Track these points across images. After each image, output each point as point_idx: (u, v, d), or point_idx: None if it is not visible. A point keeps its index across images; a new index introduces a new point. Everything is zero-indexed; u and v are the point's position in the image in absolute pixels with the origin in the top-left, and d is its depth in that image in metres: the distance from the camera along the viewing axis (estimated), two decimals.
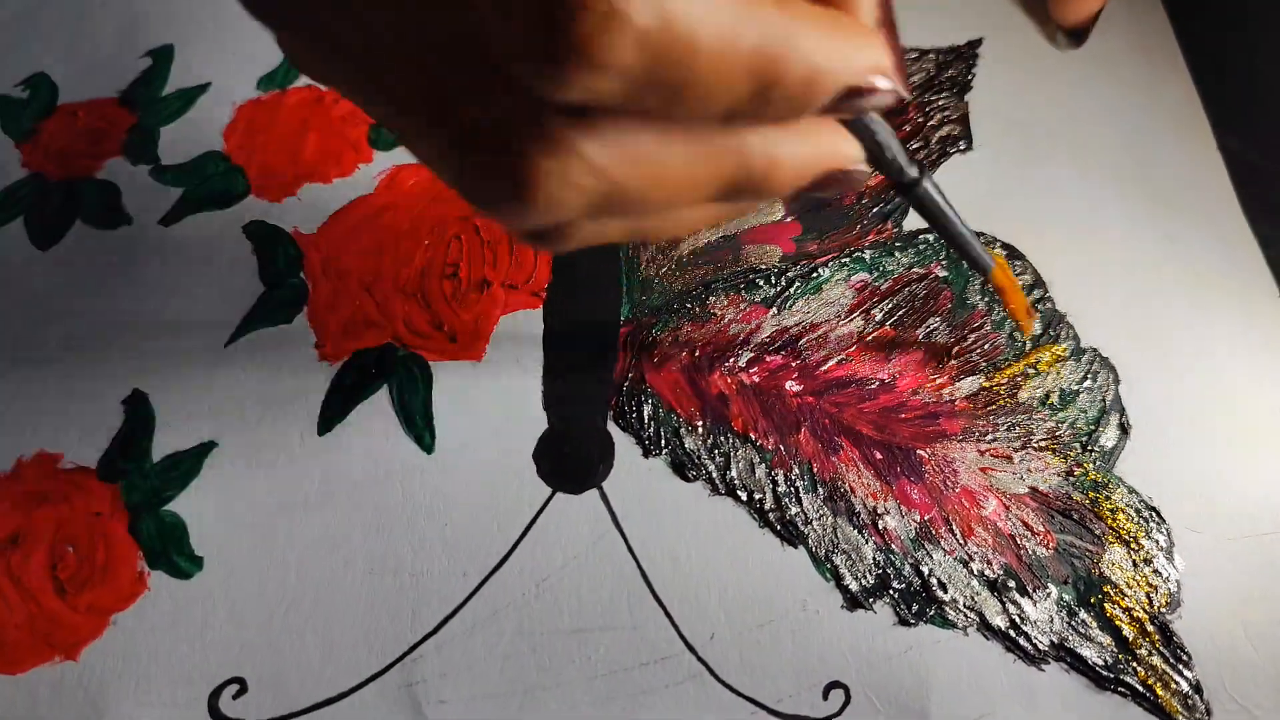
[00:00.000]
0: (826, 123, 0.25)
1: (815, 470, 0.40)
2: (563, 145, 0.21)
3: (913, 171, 0.30)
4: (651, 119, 0.22)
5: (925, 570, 0.38)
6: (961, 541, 0.39)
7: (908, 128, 0.49)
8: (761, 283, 0.44)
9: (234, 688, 0.37)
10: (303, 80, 0.51)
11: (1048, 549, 0.39)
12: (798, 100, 0.23)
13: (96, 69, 0.51)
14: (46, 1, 0.54)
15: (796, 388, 0.42)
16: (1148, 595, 0.38)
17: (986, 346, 0.43)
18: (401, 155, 0.48)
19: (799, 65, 0.21)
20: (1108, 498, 0.40)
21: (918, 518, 0.39)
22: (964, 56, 0.52)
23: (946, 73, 0.51)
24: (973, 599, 0.38)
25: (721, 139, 0.23)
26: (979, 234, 0.46)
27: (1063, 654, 0.37)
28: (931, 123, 0.49)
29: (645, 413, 0.41)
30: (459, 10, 0.20)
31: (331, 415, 0.41)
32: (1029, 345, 0.43)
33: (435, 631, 0.37)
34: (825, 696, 0.37)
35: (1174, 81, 0.51)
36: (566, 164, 0.21)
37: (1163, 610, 0.38)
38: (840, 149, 0.26)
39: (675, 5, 0.19)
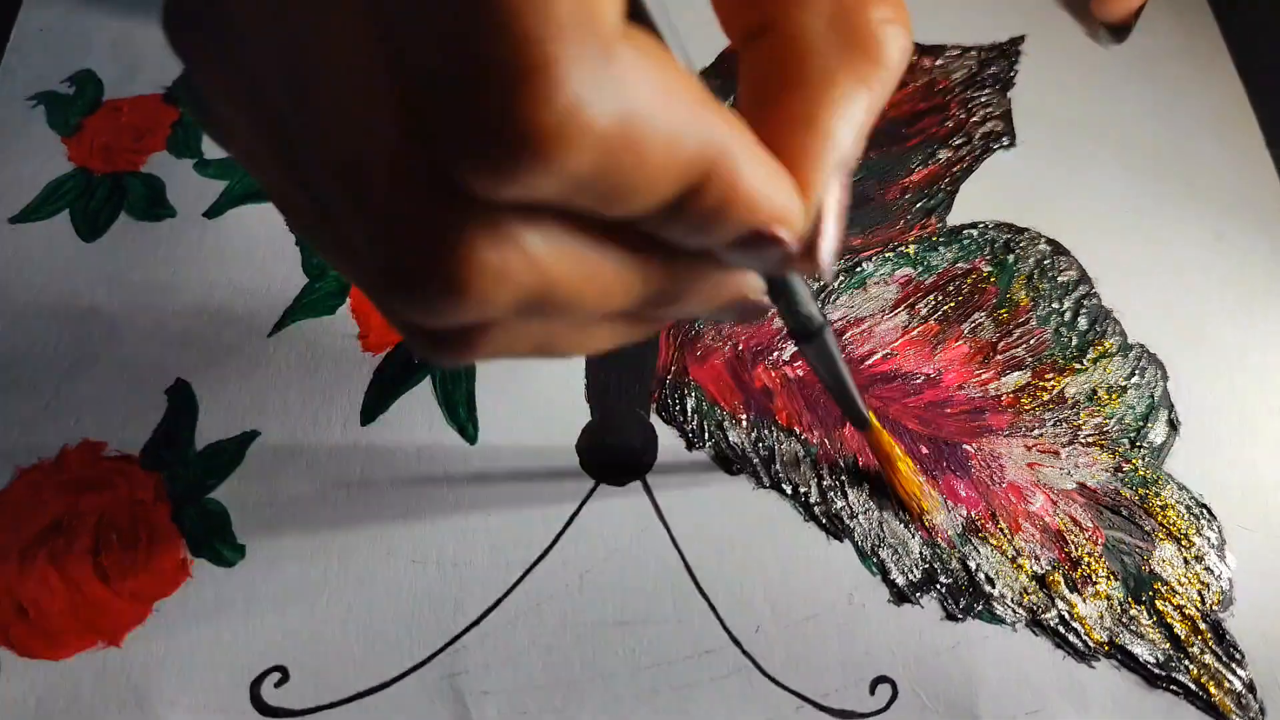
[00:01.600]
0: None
1: (860, 464, 0.40)
2: (506, 236, 0.19)
3: (819, 318, 0.29)
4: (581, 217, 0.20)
5: (973, 565, 0.38)
6: (1009, 536, 0.38)
7: (950, 124, 0.49)
8: (805, 276, 0.44)
9: (276, 676, 0.36)
10: None
11: (1097, 545, 0.38)
12: (707, 219, 0.20)
13: (141, 67, 0.51)
14: (93, 2, 0.54)
15: None
16: (1199, 593, 0.37)
17: (1032, 341, 0.43)
18: None
19: (725, 179, 0.19)
20: (1157, 494, 0.39)
21: (964, 512, 0.39)
22: (1006, 53, 0.52)
23: (989, 69, 0.51)
24: (1021, 594, 0.37)
25: (647, 244, 0.21)
26: (1023, 230, 0.46)
27: (1113, 651, 0.36)
28: (974, 119, 0.49)
29: (689, 405, 0.41)
30: (400, 92, 0.17)
31: (374, 405, 0.41)
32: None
33: (478, 622, 0.37)
34: (872, 691, 0.36)
35: (1220, 79, 0.51)
36: (507, 256, 0.19)
37: (1215, 608, 0.37)
38: (753, 281, 0.25)
39: (637, 103, 0.17)
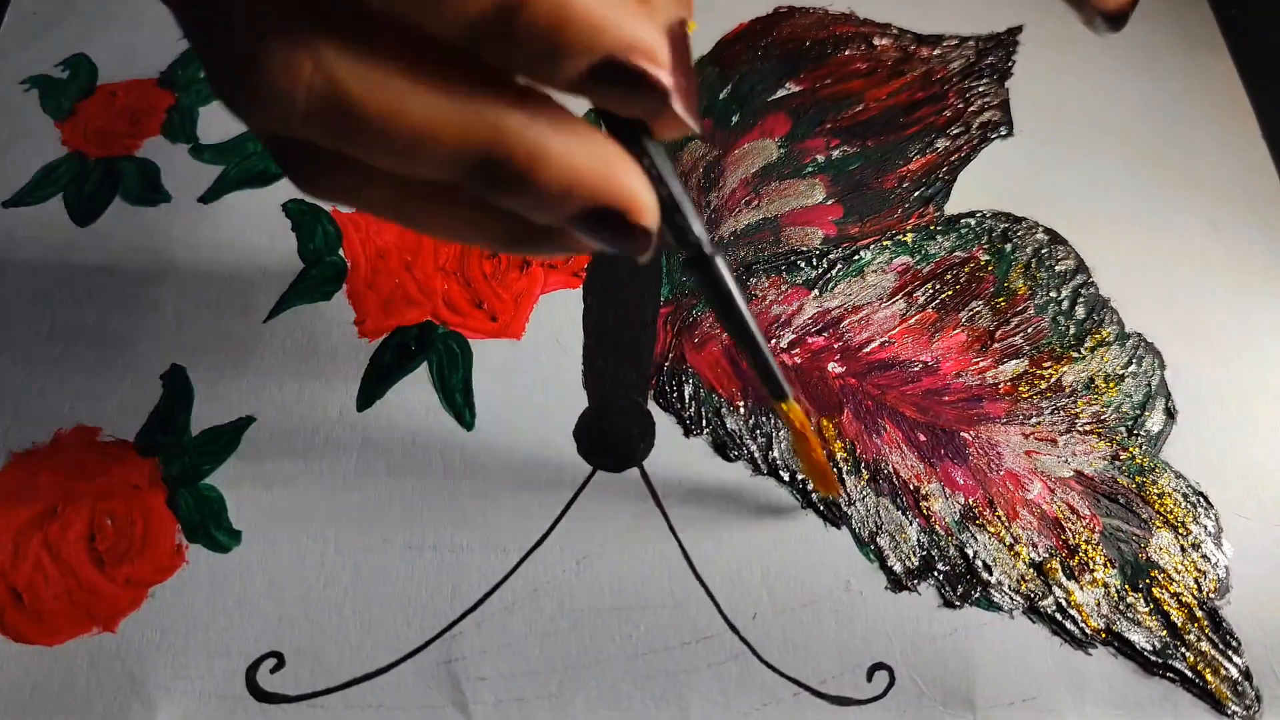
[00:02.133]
0: (611, 143, 0.21)
1: (858, 451, 0.40)
2: (297, 34, 0.19)
3: (702, 240, 0.24)
4: (401, 44, 0.20)
5: (970, 552, 0.38)
6: (1006, 524, 0.38)
7: (948, 113, 0.49)
8: (803, 265, 0.44)
9: (272, 661, 0.36)
10: None
11: (1094, 533, 0.38)
12: (542, 40, 0.19)
13: (136, 51, 0.51)
14: None
15: (839, 369, 0.41)
16: (1196, 580, 0.38)
17: (1029, 330, 0.43)
18: None
19: None
20: (1154, 482, 0.39)
21: (962, 500, 0.39)
22: (1004, 43, 0.52)
23: (987, 59, 0.51)
24: (1018, 582, 0.37)
25: (479, 100, 0.20)
26: (1019, 219, 0.46)
27: (1110, 638, 0.37)
28: (972, 108, 0.49)
29: (686, 392, 0.41)
30: None
31: (371, 391, 0.41)
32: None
33: (475, 608, 0.37)
34: (869, 678, 0.36)
35: (1217, 69, 0.51)
36: (297, 51, 0.19)
37: (1212, 596, 0.37)
38: (625, 178, 0.21)
39: None
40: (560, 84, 0.20)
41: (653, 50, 0.20)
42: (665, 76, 0.20)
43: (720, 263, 0.25)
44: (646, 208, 0.21)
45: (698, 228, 0.24)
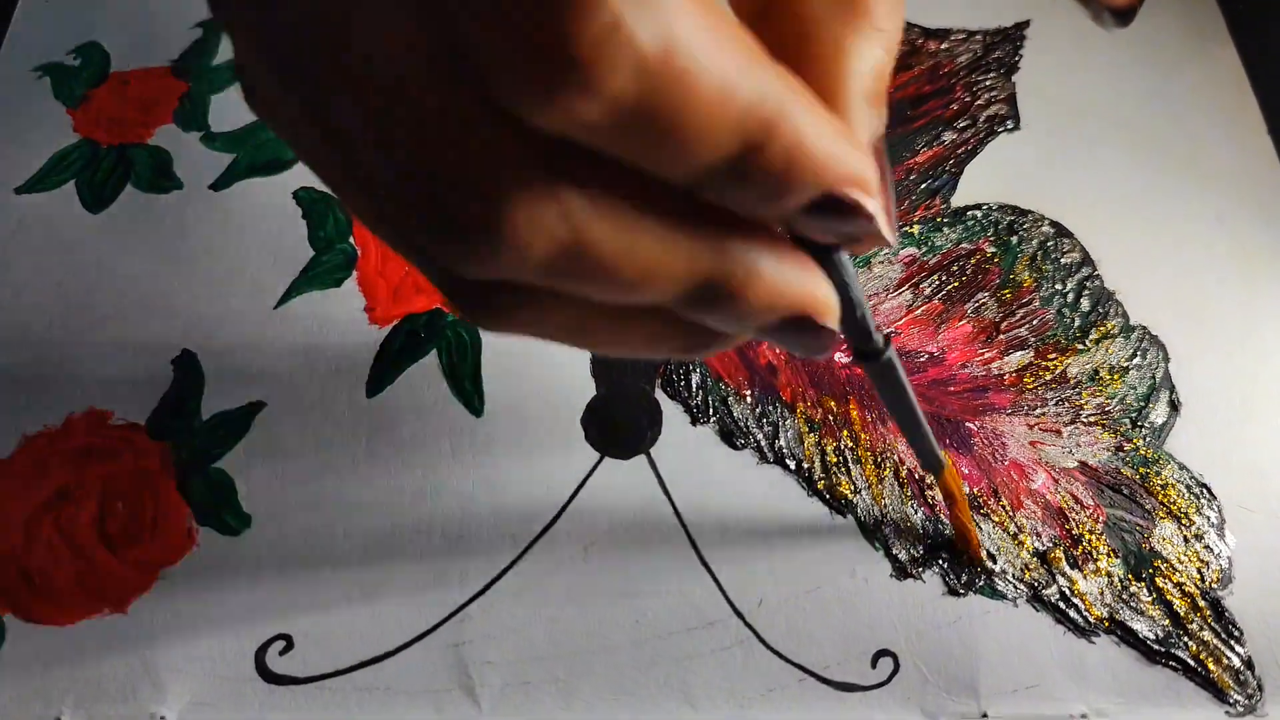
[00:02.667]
0: (804, 258, 0.22)
1: (864, 440, 0.40)
2: (540, 185, 0.18)
3: (879, 340, 0.27)
4: (629, 177, 0.19)
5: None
6: (1011, 513, 0.39)
7: (955, 106, 0.49)
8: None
9: (280, 644, 0.37)
10: None
11: (1098, 523, 0.39)
12: (774, 179, 0.19)
13: (148, 39, 0.51)
14: None
15: (845, 359, 0.42)
16: (1199, 571, 0.38)
17: (1035, 322, 0.43)
18: None
19: (788, 136, 0.18)
20: (1158, 473, 0.40)
21: (967, 489, 0.39)
22: (1011, 38, 0.52)
23: (994, 54, 0.51)
24: (1022, 570, 0.38)
25: (704, 227, 0.20)
26: (1025, 212, 0.46)
27: (1113, 627, 0.37)
28: (979, 102, 0.49)
29: (693, 381, 0.41)
30: (440, 19, 0.17)
31: (380, 378, 0.41)
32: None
33: (482, 593, 0.37)
34: (874, 665, 0.36)
35: (1222, 63, 0.51)
36: (542, 205, 0.18)
37: (1214, 586, 0.38)
38: (818, 289, 0.22)
39: (681, 32, 0.16)
40: (772, 217, 0.20)
41: (867, 181, 0.19)
42: (875, 204, 0.20)
43: (894, 357, 0.27)
44: (832, 312, 0.22)
45: (873, 328, 0.26)
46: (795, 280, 0.22)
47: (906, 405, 0.30)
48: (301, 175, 0.47)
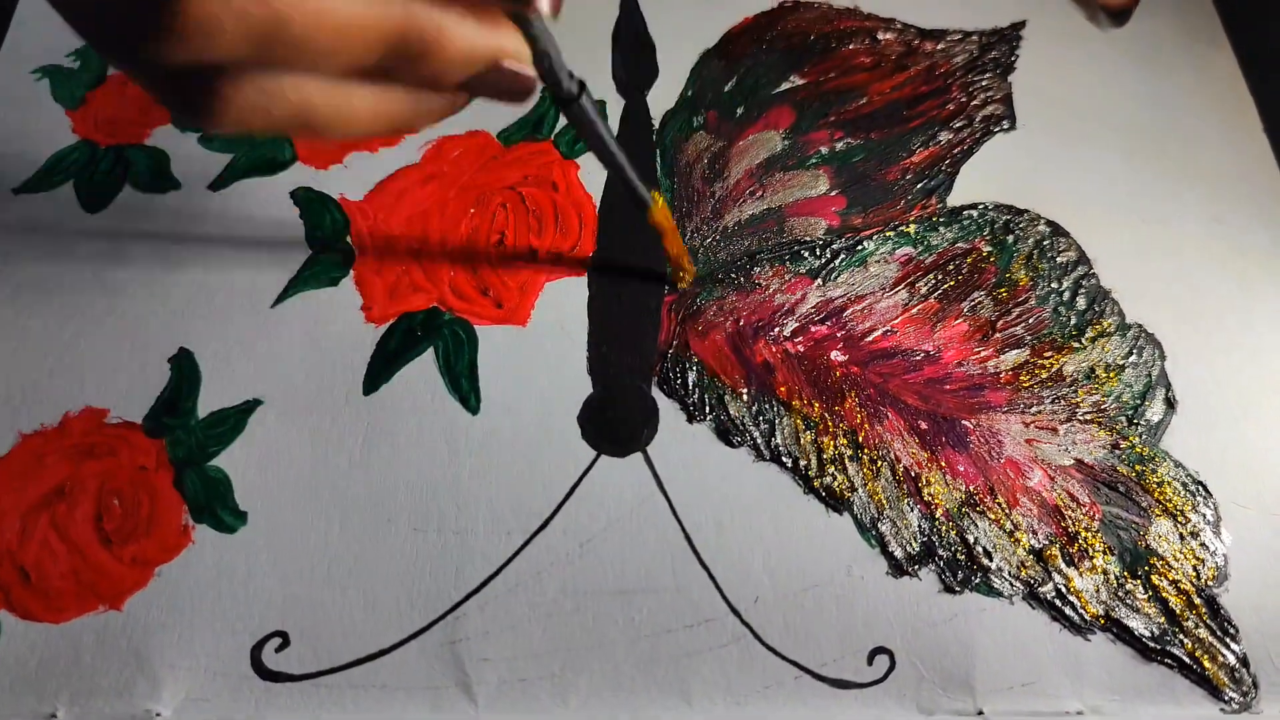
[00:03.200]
0: (494, 14, 0.26)
1: (860, 438, 0.40)
2: None
3: (572, 87, 0.31)
4: None
5: (970, 539, 0.38)
6: (1007, 511, 0.39)
7: (951, 106, 0.49)
8: (806, 254, 0.44)
9: (277, 641, 0.37)
10: None
11: (1094, 520, 0.38)
12: (429, 77, 0.25)
13: None
14: None
15: (841, 357, 0.42)
16: (1194, 568, 0.38)
17: (1031, 320, 0.43)
18: (447, 127, 0.48)
19: (429, 41, 0.24)
20: (1154, 471, 0.40)
21: (963, 487, 0.39)
22: (1007, 38, 0.52)
23: (990, 54, 0.51)
24: (1018, 568, 0.38)
25: None
26: (1021, 211, 0.46)
27: (1109, 624, 0.37)
28: (975, 102, 0.49)
29: (690, 379, 0.41)
30: None
31: (377, 375, 0.41)
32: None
33: (478, 590, 0.37)
34: (870, 662, 0.36)
35: (1219, 64, 0.51)
36: None
37: (1210, 583, 0.38)
38: (506, 42, 0.27)
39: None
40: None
41: (505, 51, 0.26)
42: (521, 65, 0.27)
43: (586, 104, 0.32)
44: (523, 58, 0.27)
45: (564, 78, 0.30)
46: (485, 35, 0.26)
47: (605, 148, 0.35)
48: (299, 175, 0.47)
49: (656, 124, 0.49)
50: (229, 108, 0.25)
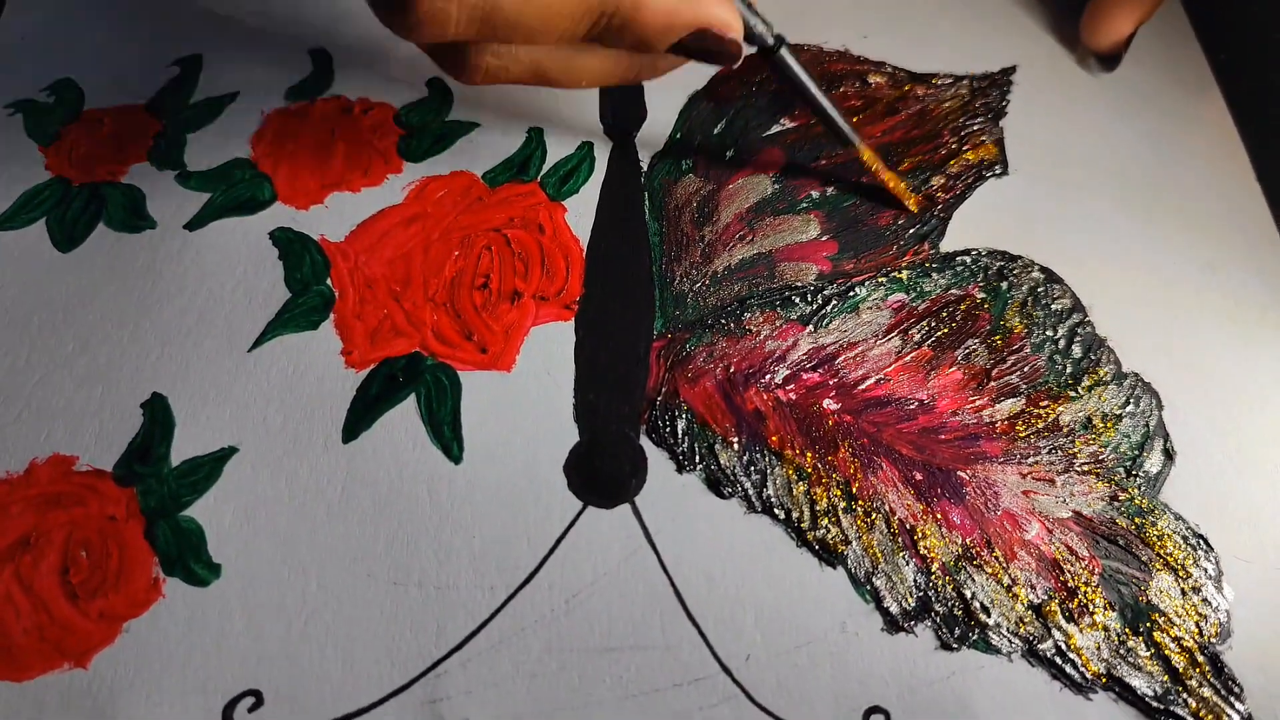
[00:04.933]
0: None
1: (854, 490, 0.39)
2: None
3: (771, 40, 0.38)
4: None
5: (968, 593, 0.37)
6: (1004, 565, 0.38)
7: (943, 151, 0.49)
8: (798, 300, 0.44)
9: (250, 700, 0.35)
10: (332, 91, 0.50)
11: (1093, 574, 0.38)
12: (632, 43, 0.31)
13: (124, 77, 0.51)
14: (75, 10, 0.53)
15: (834, 406, 0.41)
16: (1197, 624, 0.37)
17: (1026, 368, 0.42)
18: (431, 167, 0.47)
19: (626, 13, 0.30)
20: (1154, 524, 0.39)
21: (959, 540, 0.38)
22: (998, 83, 0.52)
23: (981, 99, 0.51)
24: (1017, 624, 0.37)
25: None
26: (1015, 257, 0.45)
27: (1111, 683, 0.36)
28: (966, 147, 0.49)
29: (679, 427, 0.40)
30: None
31: (357, 423, 0.40)
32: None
33: (460, 647, 0.36)
34: None
35: (1209, 111, 0.51)
36: None
37: (1213, 640, 0.37)
38: (708, 11, 0.31)
39: None
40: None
41: (715, 18, 0.32)
42: (733, 34, 0.34)
43: (785, 54, 0.39)
44: (734, 27, 0.33)
45: (767, 33, 0.37)
46: (686, 5, 0.31)
47: (808, 92, 0.41)
48: (278, 215, 0.46)
49: (645, 166, 0.48)
50: (478, 69, 0.33)
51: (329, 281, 0.44)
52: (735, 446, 0.40)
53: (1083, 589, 0.37)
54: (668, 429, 0.40)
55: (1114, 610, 0.37)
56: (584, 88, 0.37)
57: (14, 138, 0.48)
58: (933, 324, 0.43)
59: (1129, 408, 0.41)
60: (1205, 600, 0.37)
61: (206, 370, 0.41)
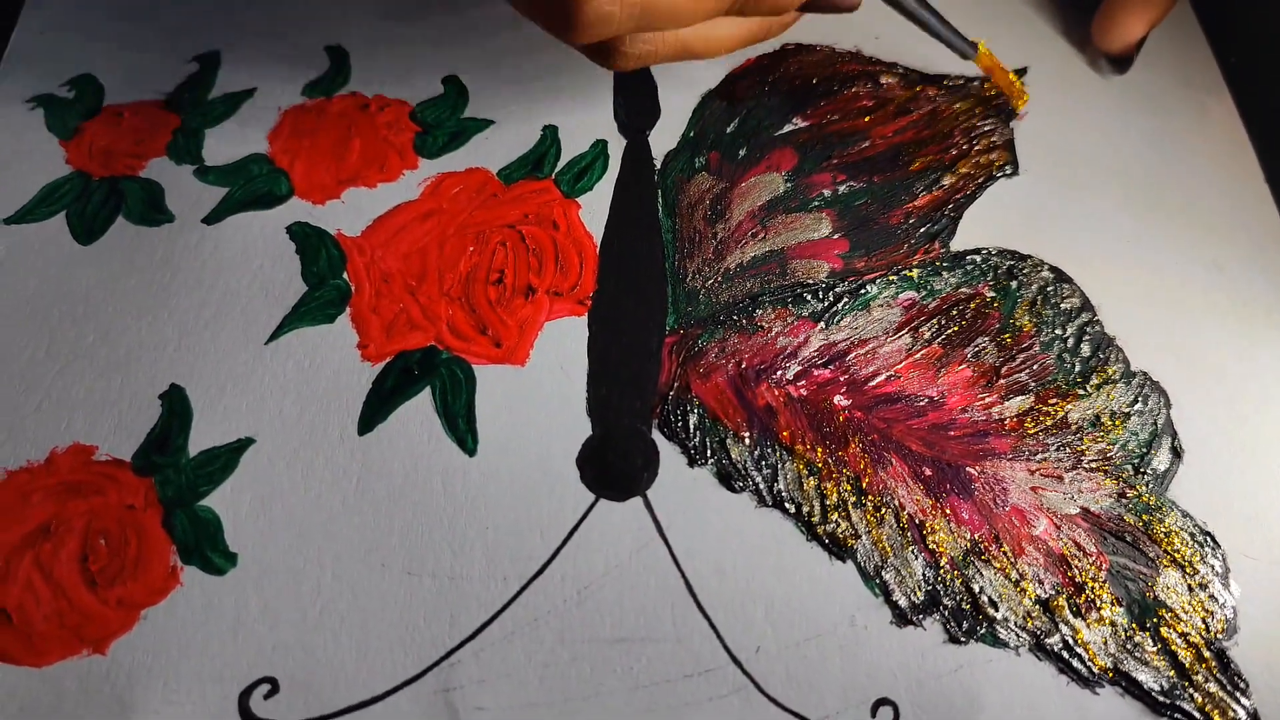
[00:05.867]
0: None
1: (864, 485, 0.39)
2: None
3: None
4: None
5: (976, 588, 0.37)
6: (1012, 560, 0.38)
7: (953, 151, 0.49)
8: (809, 297, 0.44)
9: (265, 688, 0.35)
10: (349, 88, 0.51)
11: (1101, 570, 0.38)
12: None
13: (143, 73, 0.51)
14: (94, 6, 0.54)
15: (845, 402, 0.41)
16: (1204, 620, 0.37)
17: (1035, 367, 0.42)
18: (447, 163, 0.48)
19: None
20: (1161, 521, 0.39)
21: (968, 535, 0.38)
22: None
23: (992, 100, 0.51)
24: (1025, 618, 0.37)
25: None
26: (1025, 256, 0.46)
27: (1118, 678, 0.36)
28: (978, 148, 0.49)
29: (691, 422, 0.41)
30: None
31: (372, 415, 0.41)
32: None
33: (473, 637, 0.37)
34: (874, 714, 0.36)
35: (1219, 113, 0.51)
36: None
37: (1219, 636, 0.37)
38: None
39: None
40: None
41: None
42: None
43: None
44: None
45: None
46: None
47: (917, 13, 0.45)
48: (295, 210, 0.46)
49: (658, 164, 0.48)
50: (629, 56, 0.36)
51: (345, 275, 0.44)
52: (746, 441, 0.40)
53: (1090, 584, 0.38)
54: (679, 423, 0.41)
55: (1121, 606, 0.37)
56: (724, 55, 0.40)
57: (35, 132, 0.49)
58: (943, 322, 0.44)
59: (1137, 406, 0.42)
60: (1212, 596, 0.38)
61: (224, 362, 0.42)
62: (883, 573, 0.38)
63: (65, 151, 0.48)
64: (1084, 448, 0.41)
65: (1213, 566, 0.38)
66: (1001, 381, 0.42)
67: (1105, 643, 0.37)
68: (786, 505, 0.39)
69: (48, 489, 0.39)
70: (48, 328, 0.43)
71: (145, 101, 0.50)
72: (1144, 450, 0.41)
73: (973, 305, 0.44)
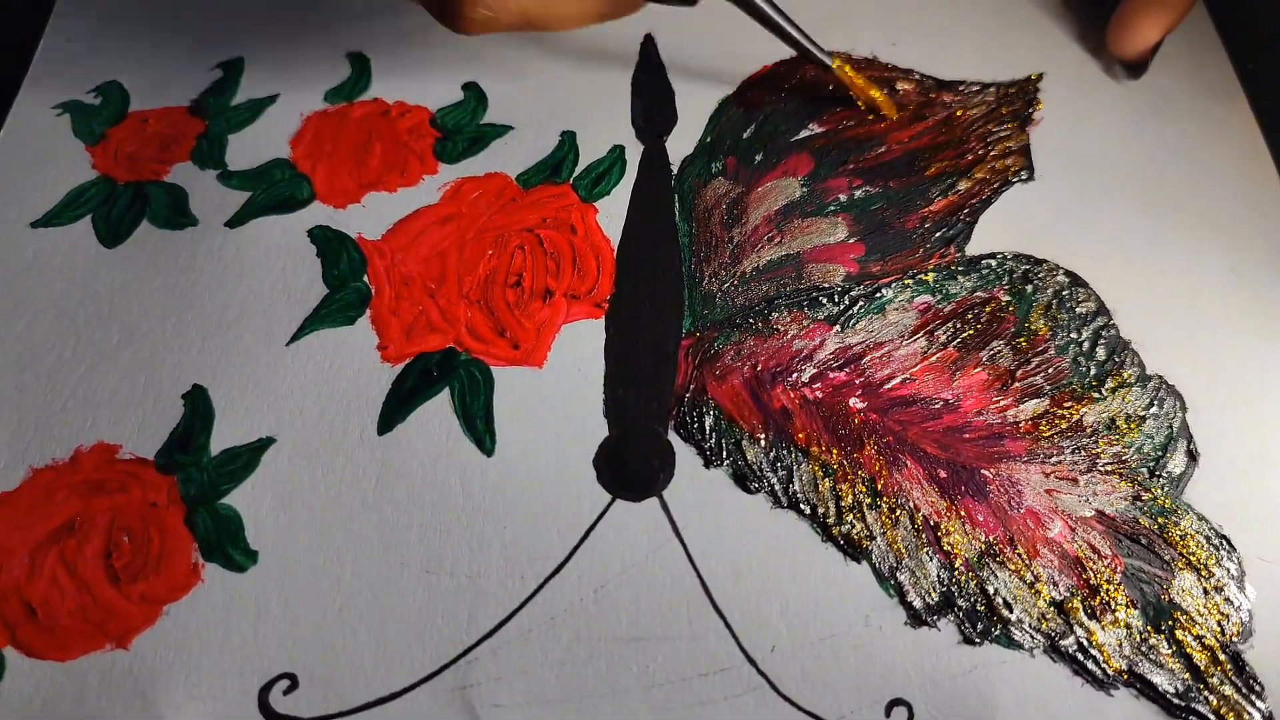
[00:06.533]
0: None
1: (879, 486, 0.40)
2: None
3: None
4: None
5: (990, 589, 0.38)
6: (1027, 562, 0.38)
7: (969, 157, 0.49)
8: (825, 301, 0.44)
9: (285, 683, 0.36)
10: (370, 94, 0.51)
11: (1116, 573, 0.38)
12: None
13: (168, 80, 0.52)
14: (121, 14, 0.55)
15: (860, 404, 0.41)
16: (1219, 623, 0.37)
17: (1050, 370, 0.43)
18: (467, 168, 0.49)
19: None
20: (1176, 524, 0.39)
21: (983, 537, 0.39)
22: (1024, 90, 0.52)
23: (1007, 105, 0.51)
24: (1039, 620, 0.37)
25: None
26: (1040, 261, 0.46)
27: (1132, 680, 0.36)
28: (993, 153, 0.49)
29: (707, 424, 0.41)
30: None
31: (391, 416, 0.41)
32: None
33: (491, 634, 0.37)
34: (888, 714, 0.36)
35: (1235, 118, 0.51)
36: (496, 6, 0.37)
37: (1235, 639, 0.37)
38: None
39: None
40: None
41: None
42: None
43: None
44: None
45: None
46: None
47: (770, 20, 0.46)
48: (316, 214, 0.47)
49: (675, 169, 0.49)
50: (471, 21, 0.38)
51: (366, 278, 0.45)
52: (762, 443, 0.41)
53: (1105, 587, 0.38)
54: (696, 425, 0.41)
55: (1136, 608, 0.37)
56: (568, 29, 0.41)
57: (62, 137, 0.50)
58: (958, 325, 0.44)
59: (1153, 409, 0.42)
60: (1228, 599, 0.38)
61: (246, 363, 0.42)
62: (898, 574, 0.38)
63: (91, 157, 0.49)
64: (1099, 451, 0.41)
65: (1228, 569, 0.38)
66: (1016, 385, 0.42)
67: (1120, 645, 0.37)
68: (802, 506, 0.39)
69: (72, 486, 0.39)
70: (74, 329, 0.43)
71: (170, 108, 0.51)
72: (1159, 453, 0.41)
73: (988, 309, 0.44)
